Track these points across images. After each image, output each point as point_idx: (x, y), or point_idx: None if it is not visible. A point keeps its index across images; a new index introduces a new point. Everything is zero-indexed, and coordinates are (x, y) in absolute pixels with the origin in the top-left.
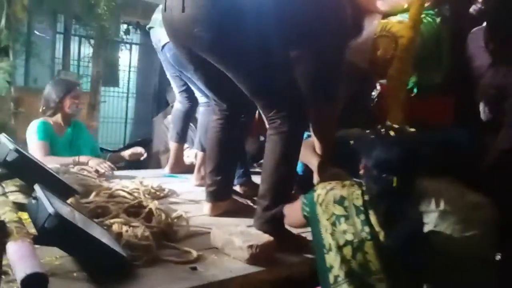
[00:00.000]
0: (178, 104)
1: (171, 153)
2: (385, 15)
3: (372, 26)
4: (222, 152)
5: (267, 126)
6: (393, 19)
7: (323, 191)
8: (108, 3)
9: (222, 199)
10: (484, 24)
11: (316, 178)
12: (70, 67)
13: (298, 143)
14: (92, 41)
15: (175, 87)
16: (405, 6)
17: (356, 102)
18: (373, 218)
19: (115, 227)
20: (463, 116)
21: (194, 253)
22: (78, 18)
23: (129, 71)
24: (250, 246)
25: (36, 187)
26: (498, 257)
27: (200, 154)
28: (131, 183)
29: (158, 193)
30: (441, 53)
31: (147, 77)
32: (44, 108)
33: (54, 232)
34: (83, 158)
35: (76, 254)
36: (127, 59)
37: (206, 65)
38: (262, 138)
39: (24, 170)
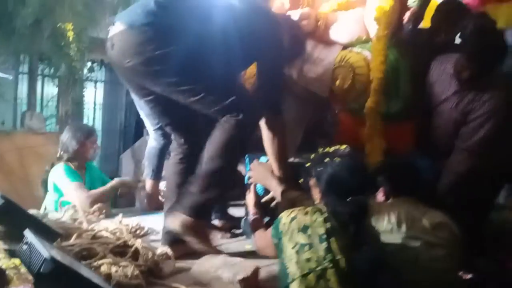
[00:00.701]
0: (153, 141)
1: (146, 190)
2: (345, 46)
3: (332, 57)
4: (179, 192)
5: (221, 119)
6: (352, 49)
7: (287, 220)
8: (78, 44)
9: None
10: (452, 52)
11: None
12: (36, 107)
13: (246, 137)
14: (55, 81)
15: (149, 126)
16: (364, 37)
17: (318, 128)
18: (334, 245)
19: (103, 268)
20: (423, 141)
21: None
22: (45, 58)
23: (94, 109)
24: (241, 280)
25: (27, 232)
26: (467, 276)
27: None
28: (110, 223)
29: (138, 231)
30: (399, 82)
31: (113, 114)
32: (61, 153)
33: (51, 277)
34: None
35: None
36: (92, 96)
37: (156, 98)
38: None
39: (10, 216)
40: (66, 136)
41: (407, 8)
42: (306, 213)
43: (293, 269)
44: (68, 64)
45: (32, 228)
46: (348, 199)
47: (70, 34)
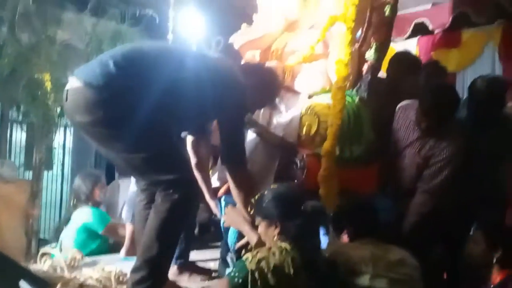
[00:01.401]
0: (134, 186)
1: (126, 235)
2: (310, 96)
3: (299, 105)
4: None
5: (158, 192)
6: (317, 99)
7: (255, 260)
8: (56, 94)
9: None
10: (413, 99)
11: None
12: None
13: (185, 213)
14: (24, 126)
15: None
16: (327, 88)
17: (287, 172)
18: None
19: None
20: (386, 183)
21: None
22: (18, 106)
23: (64, 153)
24: None
25: (22, 283)
26: None
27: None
28: (92, 270)
29: (121, 278)
30: (361, 128)
31: (83, 158)
32: (75, 201)
33: None
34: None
35: None
36: (61, 140)
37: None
38: None
39: (2, 268)
40: (77, 184)
41: (365, 61)
42: (274, 253)
43: None
44: (44, 113)
45: (25, 279)
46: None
47: (48, 85)
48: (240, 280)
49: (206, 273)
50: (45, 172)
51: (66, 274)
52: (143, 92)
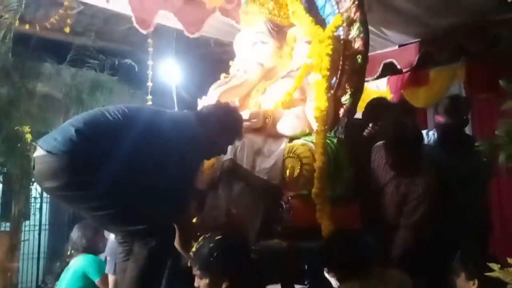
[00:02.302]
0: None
1: (110, 285)
2: (291, 139)
3: (281, 148)
4: None
5: (135, 242)
6: (297, 142)
7: None
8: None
9: None
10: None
11: None
12: None
13: (162, 260)
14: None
15: None
16: (307, 131)
17: (273, 214)
18: None
19: None
20: (368, 220)
21: None
22: None
23: (41, 202)
24: None
25: None
26: None
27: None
28: None
29: None
30: (342, 168)
31: (60, 207)
32: (72, 251)
33: None
34: None
35: None
36: (39, 189)
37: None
38: None
39: None
40: (75, 235)
41: (341, 105)
42: None
43: None
44: (23, 164)
45: None
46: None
47: (29, 137)
48: None
49: None
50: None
51: None
52: (104, 155)
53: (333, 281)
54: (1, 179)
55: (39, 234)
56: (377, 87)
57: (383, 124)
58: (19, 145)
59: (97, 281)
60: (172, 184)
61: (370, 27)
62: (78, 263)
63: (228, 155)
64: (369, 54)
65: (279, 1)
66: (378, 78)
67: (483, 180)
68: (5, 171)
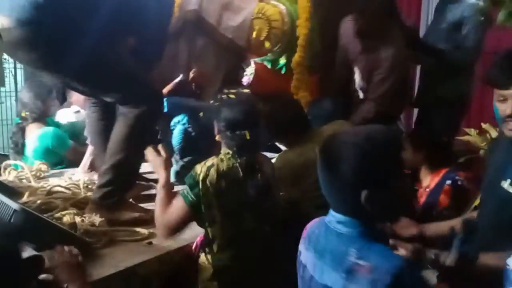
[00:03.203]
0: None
1: (86, 153)
2: None
3: (251, 7)
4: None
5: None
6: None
7: (201, 169)
8: None
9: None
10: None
11: None
12: None
13: (149, 127)
14: None
15: None
16: None
17: (233, 76)
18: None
19: (66, 219)
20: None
21: (146, 231)
22: None
23: (15, 67)
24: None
25: None
26: None
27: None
28: (60, 180)
29: (89, 186)
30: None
31: (36, 73)
32: (26, 113)
33: (22, 227)
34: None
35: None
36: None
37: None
38: None
39: None
40: (27, 96)
41: None
42: (222, 159)
43: (214, 214)
44: None
45: None
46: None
47: None
48: (194, 197)
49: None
50: None
51: (33, 183)
52: (76, 20)
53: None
54: None
55: (16, 101)
56: None
57: None
58: None
59: (63, 153)
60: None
61: None
62: (40, 138)
63: (193, 5)
64: None
65: None
66: None
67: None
68: None
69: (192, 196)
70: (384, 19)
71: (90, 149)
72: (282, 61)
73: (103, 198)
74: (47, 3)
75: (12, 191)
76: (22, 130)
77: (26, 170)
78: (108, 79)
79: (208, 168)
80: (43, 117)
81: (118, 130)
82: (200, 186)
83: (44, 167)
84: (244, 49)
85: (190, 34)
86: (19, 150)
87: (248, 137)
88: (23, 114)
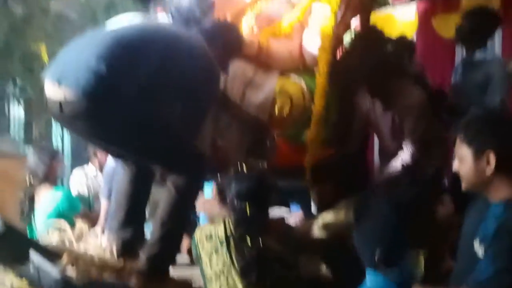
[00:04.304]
0: (111, 162)
1: (101, 211)
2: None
3: (272, 83)
4: (130, 205)
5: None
6: (289, 79)
7: (198, 231)
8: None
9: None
10: None
11: None
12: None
13: (193, 197)
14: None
15: None
16: (300, 68)
17: (257, 150)
18: (232, 248)
19: None
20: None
21: None
22: (14, 80)
23: (62, 128)
24: None
25: (33, 254)
26: None
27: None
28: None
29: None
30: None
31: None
32: (32, 178)
33: None
34: None
35: None
36: None
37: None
38: None
39: (12, 241)
40: (32, 160)
41: (341, 43)
42: (213, 223)
43: (209, 272)
44: (41, 87)
45: (35, 251)
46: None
47: (44, 57)
48: (195, 252)
49: None
50: None
51: (75, 246)
52: (127, 93)
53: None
54: (22, 104)
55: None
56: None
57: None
58: (35, 66)
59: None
60: (194, 113)
61: None
62: (50, 202)
63: None
64: None
65: None
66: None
67: None
68: (25, 96)
69: (195, 250)
70: (395, 76)
71: (105, 205)
72: (304, 135)
73: (153, 270)
74: (111, 76)
75: (52, 254)
76: (29, 197)
77: (68, 232)
78: (158, 147)
79: (200, 230)
80: (51, 179)
81: (168, 200)
82: (196, 244)
83: (85, 227)
84: (267, 125)
85: (215, 111)
86: (25, 218)
87: (248, 211)
88: (29, 181)
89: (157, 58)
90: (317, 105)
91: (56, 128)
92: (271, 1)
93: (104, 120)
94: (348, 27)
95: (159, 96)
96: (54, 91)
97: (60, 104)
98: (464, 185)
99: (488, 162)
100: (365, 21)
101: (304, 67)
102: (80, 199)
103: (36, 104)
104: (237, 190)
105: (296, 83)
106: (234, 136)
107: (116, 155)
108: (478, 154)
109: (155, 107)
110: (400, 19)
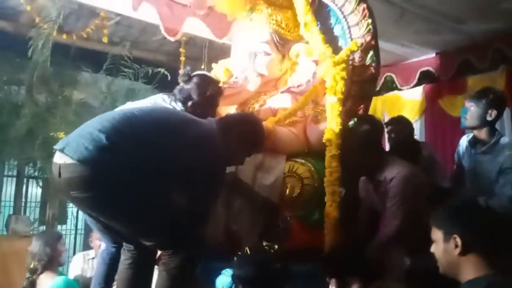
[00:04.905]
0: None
1: None
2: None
3: (281, 166)
4: None
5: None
6: (297, 160)
7: None
8: None
9: None
10: None
11: None
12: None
13: (185, 280)
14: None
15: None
16: (306, 151)
17: (270, 232)
18: None
19: None
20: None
21: None
22: (34, 162)
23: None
24: None
25: None
26: None
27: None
28: None
29: None
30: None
31: None
32: (35, 264)
33: None
34: None
35: None
36: None
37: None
38: None
39: None
40: (36, 244)
41: None
42: None
43: None
44: None
45: None
46: None
47: None
48: None
49: None
50: (59, 226)
51: None
52: (134, 166)
53: None
54: (41, 184)
55: (75, 238)
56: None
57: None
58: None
59: None
60: (197, 196)
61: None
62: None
63: (230, 168)
64: (406, 62)
65: (287, 14)
66: (414, 86)
67: None
68: (45, 176)
69: None
70: (377, 155)
71: None
72: (315, 216)
73: None
74: (110, 148)
75: None
76: (32, 285)
77: None
78: (155, 225)
79: None
80: (54, 265)
81: (161, 281)
82: None
83: None
84: (279, 207)
85: (228, 196)
86: None
87: None
88: (31, 266)
89: (161, 139)
90: (333, 187)
91: (71, 208)
92: (275, 95)
93: (97, 189)
94: (350, 115)
95: (159, 177)
96: (58, 156)
97: (59, 167)
98: (439, 268)
99: (456, 245)
100: (366, 108)
101: (309, 148)
102: (77, 282)
103: (52, 185)
104: (237, 274)
105: (304, 165)
106: (247, 220)
107: (106, 233)
108: (447, 237)
109: (152, 187)
110: (407, 99)
